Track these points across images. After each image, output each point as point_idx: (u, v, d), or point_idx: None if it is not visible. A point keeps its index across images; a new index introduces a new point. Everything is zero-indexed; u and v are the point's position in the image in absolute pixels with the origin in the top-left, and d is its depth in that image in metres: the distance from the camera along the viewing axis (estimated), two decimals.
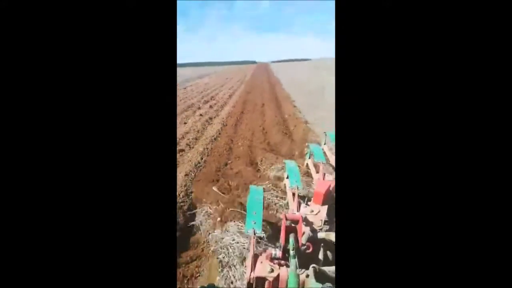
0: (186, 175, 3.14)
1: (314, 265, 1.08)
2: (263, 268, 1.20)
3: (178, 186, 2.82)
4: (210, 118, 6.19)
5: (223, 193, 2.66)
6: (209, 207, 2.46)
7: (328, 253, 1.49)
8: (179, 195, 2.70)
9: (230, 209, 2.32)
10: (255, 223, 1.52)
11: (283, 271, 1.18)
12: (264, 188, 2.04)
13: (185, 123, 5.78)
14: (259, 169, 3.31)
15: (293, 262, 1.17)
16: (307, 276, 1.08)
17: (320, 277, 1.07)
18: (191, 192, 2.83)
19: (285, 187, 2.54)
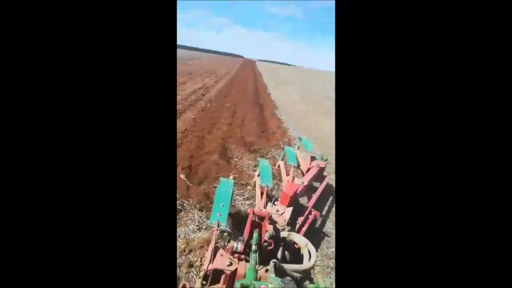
0: None
1: (274, 260, 1.10)
2: (222, 261, 1.19)
3: None
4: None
5: (190, 182, 2.59)
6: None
7: (286, 252, 1.53)
8: None
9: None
10: (220, 215, 1.51)
11: (241, 266, 1.18)
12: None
13: None
14: (230, 163, 3.28)
15: (253, 256, 1.18)
16: (267, 270, 1.10)
17: (279, 272, 1.10)
18: None
19: (254, 184, 2.56)
